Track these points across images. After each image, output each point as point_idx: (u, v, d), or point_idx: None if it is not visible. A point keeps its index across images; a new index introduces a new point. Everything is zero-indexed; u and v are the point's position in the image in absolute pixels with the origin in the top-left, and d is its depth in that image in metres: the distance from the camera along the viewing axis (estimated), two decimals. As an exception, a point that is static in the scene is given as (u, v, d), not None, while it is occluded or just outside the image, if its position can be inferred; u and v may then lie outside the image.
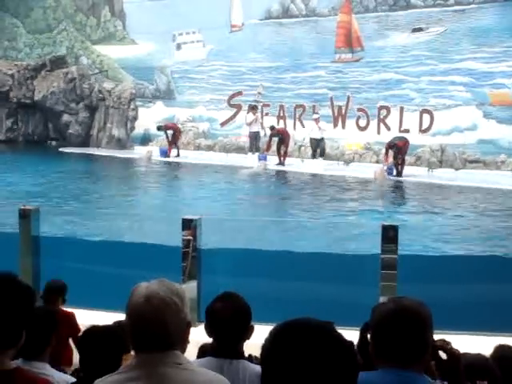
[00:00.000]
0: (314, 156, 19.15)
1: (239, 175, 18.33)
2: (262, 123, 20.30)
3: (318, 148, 19.06)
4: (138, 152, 21.81)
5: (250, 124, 20.05)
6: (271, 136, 19.72)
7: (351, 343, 1.51)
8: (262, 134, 20.14)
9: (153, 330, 2.06)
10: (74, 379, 3.32)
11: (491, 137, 18.05)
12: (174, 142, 21.23)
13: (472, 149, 18.18)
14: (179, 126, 21.91)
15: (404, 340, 2.15)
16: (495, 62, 18.14)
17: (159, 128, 21.43)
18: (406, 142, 17.58)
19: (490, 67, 18.24)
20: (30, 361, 3.12)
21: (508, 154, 17.64)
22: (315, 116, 19.34)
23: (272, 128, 19.89)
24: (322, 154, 19.12)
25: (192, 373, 2.11)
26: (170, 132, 21.36)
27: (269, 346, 1.49)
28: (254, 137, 19.97)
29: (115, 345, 3.04)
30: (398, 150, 17.34)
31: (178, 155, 21.04)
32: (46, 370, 3.22)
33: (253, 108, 20.33)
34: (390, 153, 17.45)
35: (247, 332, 2.95)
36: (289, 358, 1.43)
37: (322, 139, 19.05)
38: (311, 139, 19.29)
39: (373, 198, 15.09)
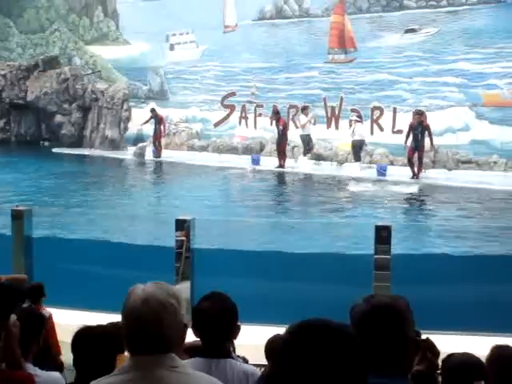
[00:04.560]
0: (359, 159, 18.37)
1: (230, 176, 18.30)
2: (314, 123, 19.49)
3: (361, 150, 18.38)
4: (130, 152, 21.75)
5: (303, 126, 19.16)
6: (276, 122, 18.95)
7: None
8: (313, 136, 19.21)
9: (150, 333, 2.05)
10: (62, 378, 3.33)
11: (484, 137, 18.10)
12: (157, 135, 21.01)
13: (465, 149, 18.23)
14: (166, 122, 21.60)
15: (382, 340, 2.01)
16: (488, 63, 18.19)
17: (152, 110, 21.31)
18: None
19: (482, 68, 18.30)
20: None
21: (500, 155, 17.70)
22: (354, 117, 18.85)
23: (277, 112, 19.28)
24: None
25: (187, 376, 2.11)
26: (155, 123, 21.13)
27: (288, 345, 1.48)
28: (307, 140, 19.07)
29: (109, 345, 3.04)
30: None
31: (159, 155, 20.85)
32: (31, 369, 3.25)
33: (305, 109, 19.39)
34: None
35: (234, 331, 2.95)
36: (308, 357, 1.43)
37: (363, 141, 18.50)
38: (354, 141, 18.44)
39: (366, 198, 15.12)
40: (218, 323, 2.88)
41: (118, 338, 2.95)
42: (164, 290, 2.10)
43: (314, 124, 19.75)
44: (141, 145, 21.25)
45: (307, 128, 19.19)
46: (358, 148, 18.50)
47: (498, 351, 3.50)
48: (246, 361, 3.78)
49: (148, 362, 2.06)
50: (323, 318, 1.51)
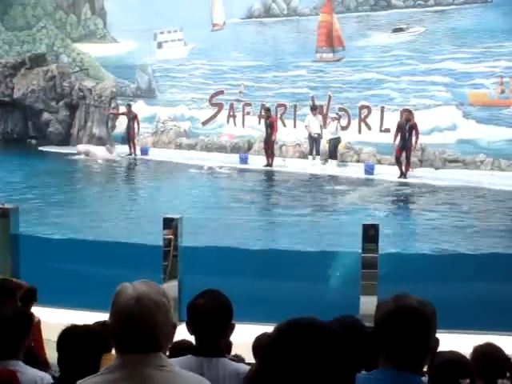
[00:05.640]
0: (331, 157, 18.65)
1: (217, 175, 18.27)
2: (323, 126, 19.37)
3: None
4: (119, 151, 21.64)
5: (315, 127, 19.03)
6: (265, 120, 19.04)
7: (352, 344, 1.51)
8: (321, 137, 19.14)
9: (142, 332, 2.03)
10: (48, 376, 3.31)
11: (470, 137, 18.19)
12: (131, 132, 20.85)
13: (452, 148, 18.32)
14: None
15: (404, 341, 2.03)
16: (474, 62, 18.28)
17: (128, 106, 21.24)
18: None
19: (469, 67, 18.38)
20: (3, 360, 3.15)
21: (487, 154, 17.79)
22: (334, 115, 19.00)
23: (267, 109, 19.34)
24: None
25: (175, 375, 2.09)
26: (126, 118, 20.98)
27: (275, 343, 1.47)
28: (315, 140, 18.95)
29: (95, 344, 3.02)
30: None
31: (132, 154, 20.70)
32: (20, 367, 3.24)
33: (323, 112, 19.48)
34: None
35: (228, 329, 2.94)
36: (295, 355, 1.43)
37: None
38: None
39: (354, 197, 15.15)
40: (211, 321, 2.85)
41: (104, 337, 2.93)
42: (154, 288, 2.09)
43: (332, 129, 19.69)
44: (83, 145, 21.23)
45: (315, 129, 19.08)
46: (334, 146, 18.58)
47: (482, 349, 3.52)
48: (240, 359, 3.77)
49: (136, 360, 2.04)
50: (311, 316, 1.51)
